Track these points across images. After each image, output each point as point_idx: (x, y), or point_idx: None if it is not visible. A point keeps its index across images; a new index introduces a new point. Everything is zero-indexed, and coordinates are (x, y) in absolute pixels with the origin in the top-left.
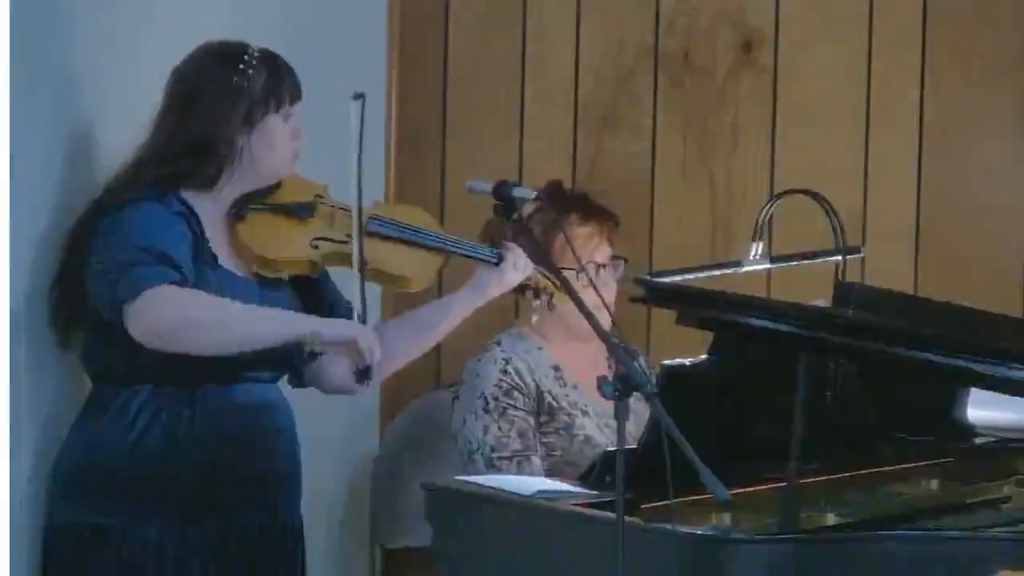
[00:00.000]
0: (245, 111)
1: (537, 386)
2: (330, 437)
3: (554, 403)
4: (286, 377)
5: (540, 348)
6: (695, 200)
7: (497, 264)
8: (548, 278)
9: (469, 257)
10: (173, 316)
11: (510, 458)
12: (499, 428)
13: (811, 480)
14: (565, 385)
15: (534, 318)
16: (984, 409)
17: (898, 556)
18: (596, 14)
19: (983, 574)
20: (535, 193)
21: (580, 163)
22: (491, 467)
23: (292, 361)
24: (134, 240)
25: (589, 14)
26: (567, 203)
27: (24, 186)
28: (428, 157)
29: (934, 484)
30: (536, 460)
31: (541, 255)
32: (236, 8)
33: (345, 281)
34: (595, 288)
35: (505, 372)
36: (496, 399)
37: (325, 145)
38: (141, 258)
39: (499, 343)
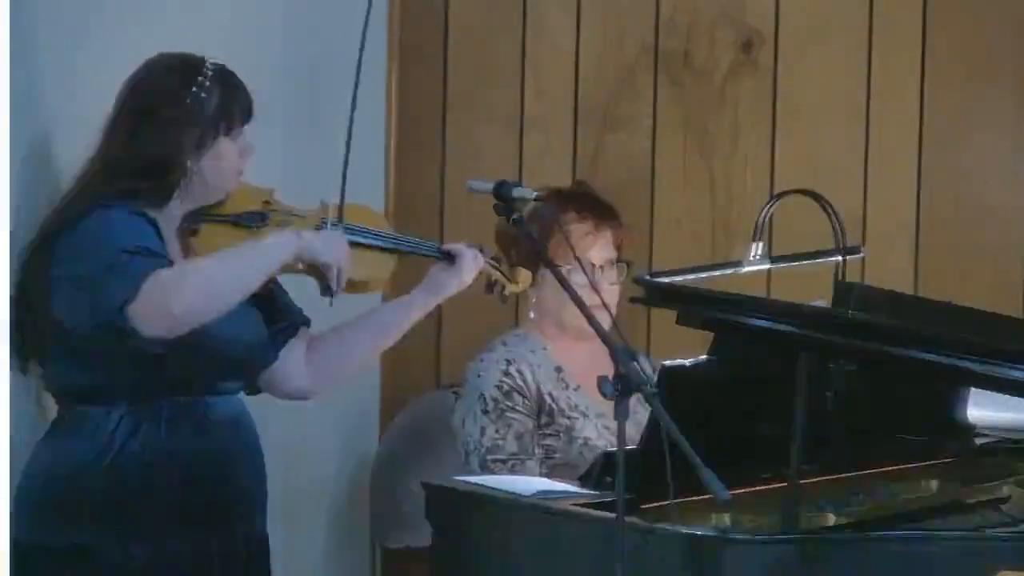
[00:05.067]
0: (197, 137)
1: (538, 388)
2: (330, 437)
3: (554, 406)
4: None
5: (544, 348)
6: (695, 200)
7: (450, 262)
8: (499, 269)
9: (419, 255)
10: (185, 292)
11: (505, 461)
12: (496, 431)
13: (811, 480)
14: (567, 387)
15: (531, 314)
16: (984, 409)
17: (898, 556)
18: (596, 14)
19: (983, 574)
20: (535, 193)
21: (580, 162)
22: (485, 469)
23: (260, 364)
24: (109, 244)
25: (589, 14)
26: (565, 200)
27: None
28: (428, 157)
29: (934, 484)
30: (531, 464)
31: (540, 253)
32: (236, 9)
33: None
34: (595, 288)
35: (507, 373)
36: (496, 400)
37: (324, 146)
38: (124, 258)
39: (504, 343)
